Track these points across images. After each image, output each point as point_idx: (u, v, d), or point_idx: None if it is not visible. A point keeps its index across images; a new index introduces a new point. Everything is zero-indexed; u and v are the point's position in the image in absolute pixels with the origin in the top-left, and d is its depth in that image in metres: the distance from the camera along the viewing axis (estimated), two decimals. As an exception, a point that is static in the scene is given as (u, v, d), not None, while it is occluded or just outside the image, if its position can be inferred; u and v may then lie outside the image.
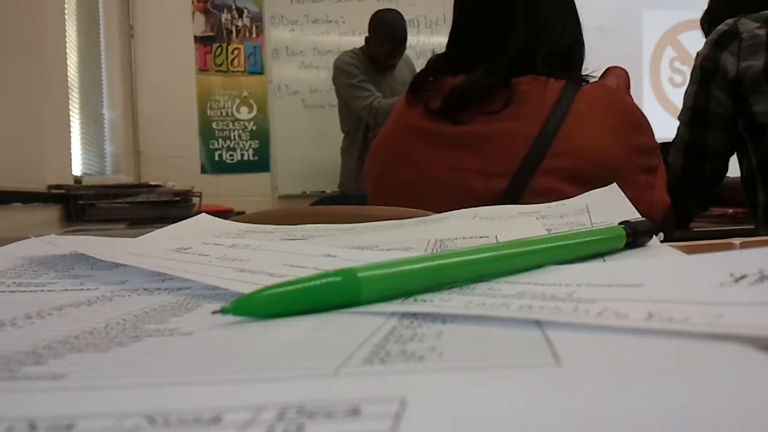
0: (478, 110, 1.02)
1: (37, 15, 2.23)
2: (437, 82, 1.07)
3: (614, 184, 0.51)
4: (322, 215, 0.98)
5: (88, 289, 0.30)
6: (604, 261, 0.30)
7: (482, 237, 0.40)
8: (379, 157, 1.14)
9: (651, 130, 1.04)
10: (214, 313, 0.20)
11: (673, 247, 0.48)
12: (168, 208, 2.28)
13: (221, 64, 3.82)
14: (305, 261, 0.35)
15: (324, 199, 3.18)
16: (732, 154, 1.57)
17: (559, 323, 0.17)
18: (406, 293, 0.24)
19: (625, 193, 1.01)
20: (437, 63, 1.13)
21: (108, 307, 0.26)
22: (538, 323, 0.18)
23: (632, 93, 1.17)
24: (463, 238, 0.40)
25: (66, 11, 2.66)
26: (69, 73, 2.66)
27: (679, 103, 1.66)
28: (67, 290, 0.30)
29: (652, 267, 0.25)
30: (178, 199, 2.33)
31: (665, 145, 1.55)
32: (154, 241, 0.47)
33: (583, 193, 0.98)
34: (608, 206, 0.47)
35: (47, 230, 1.94)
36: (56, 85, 2.48)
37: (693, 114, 1.55)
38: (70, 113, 2.65)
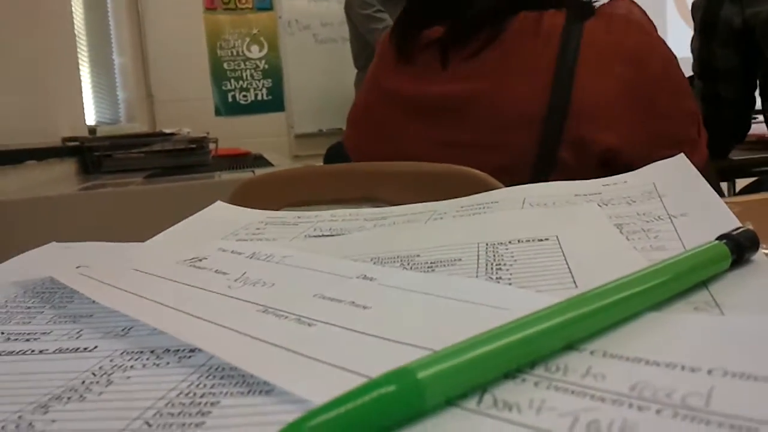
0: (482, 43, 0.84)
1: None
2: (415, 38, 0.91)
3: (682, 155, 0.44)
4: (340, 176, 0.92)
5: (85, 349, 0.26)
6: (716, 303, 0.24)
7: (541, 240, 0.34)
8: (354, 132, 1.01)
9: (682, 75, 0.87)
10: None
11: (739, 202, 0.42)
12: (185, 156, 2.23)
13: (229, 2, 3.69)
14: (339, 288, 0.29)
15: (339, 144, 3.08)
16: (752, 103, 1.54)
17: None
18: (480, 388, 0.18)
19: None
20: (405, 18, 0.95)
21: (105, 400, 0.21)
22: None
23: (653, 8, 1.04)
24: (518, 241, 0.35)
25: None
26: (75, 21, 2.57)
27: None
28: (61, 351, 0.26)
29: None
30: (194, 146, 2.27)
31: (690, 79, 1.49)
32: (166, 247, 0.42)
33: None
34: (680, 185, 0.41)
35: (64, 186, 1.91)
36: (63, 34, 2.40)
37: (701, 68, 1.52)
38: (80, 62, 2.58)
